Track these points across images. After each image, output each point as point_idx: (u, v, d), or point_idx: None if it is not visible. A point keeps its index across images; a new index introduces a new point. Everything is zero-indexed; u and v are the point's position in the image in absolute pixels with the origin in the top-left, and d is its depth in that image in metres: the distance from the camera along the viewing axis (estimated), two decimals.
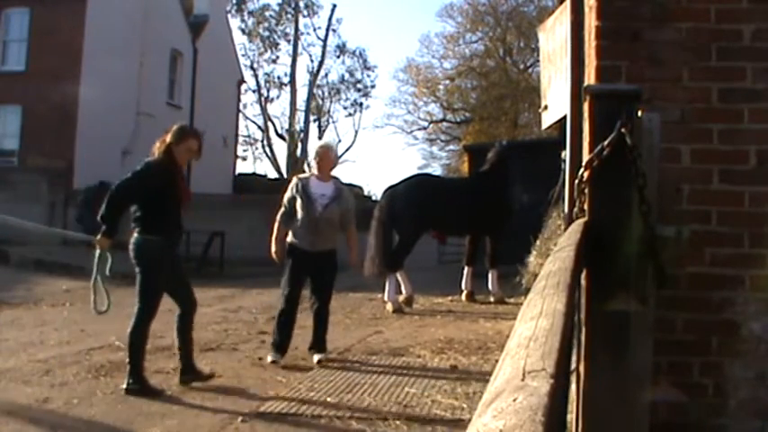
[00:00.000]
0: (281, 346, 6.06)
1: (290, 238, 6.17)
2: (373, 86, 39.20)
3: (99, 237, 5.11)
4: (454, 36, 36.84)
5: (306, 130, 36.05)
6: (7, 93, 19.07)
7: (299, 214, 6.07)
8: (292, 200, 6.17)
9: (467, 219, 10.00)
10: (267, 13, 36.18)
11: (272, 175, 34.79)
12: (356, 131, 51.37)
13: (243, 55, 34.69)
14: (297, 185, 6.20)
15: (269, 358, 6.06)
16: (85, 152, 18.79)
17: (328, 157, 6.34)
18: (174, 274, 5.30)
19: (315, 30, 37.51)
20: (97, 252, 5.19)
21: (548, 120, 4.75)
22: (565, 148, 3.84)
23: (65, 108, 18.54)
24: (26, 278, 12.04)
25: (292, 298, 6.12)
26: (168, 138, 5.32)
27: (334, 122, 45.12)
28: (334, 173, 6.44)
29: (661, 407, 2.74)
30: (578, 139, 3.26)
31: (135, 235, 5.18)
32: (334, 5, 37.01)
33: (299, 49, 36.84)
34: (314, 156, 6.57)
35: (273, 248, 6.20)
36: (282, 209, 6.23)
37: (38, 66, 18.85)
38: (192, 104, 25.00)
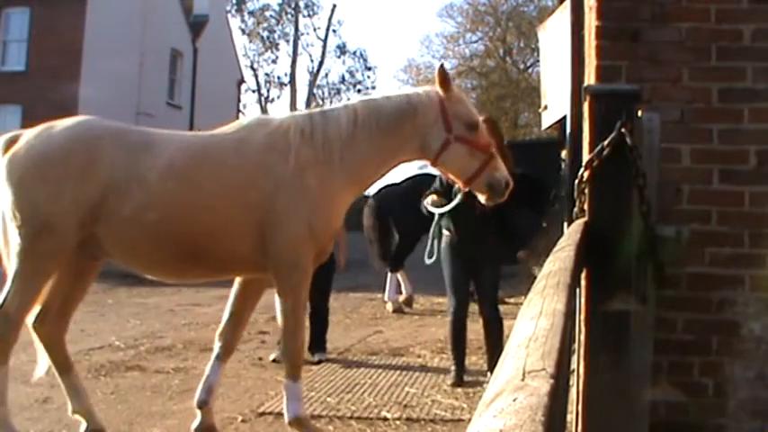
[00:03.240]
0: None
1: None
2: (374, 87, 39.14)
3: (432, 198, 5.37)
4: (454, 36, 36.80)
5: None
6: (7, 93, 19.05)
7: None
8: None
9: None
10: (267, 14, 36.21)
11: None
12: None
13: (243, 55, 34.75)
14: None
15: (271, 357, 6.12)
16: None
17: None
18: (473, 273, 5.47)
19: (315, 30, 37.53)
20: (438, 210, 5.30)
21: (548, 120, 4.75)
22: (565, 148, 3.84)
23: (65, 108, 18.46)
24: None
25: None
26: None
27: None
28: None
29: (661, 407, 2.74)
30: (578, 139, 3.26)
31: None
32: (334, 5, 37.07)
33: (299, 50, 36.85)
34: None
35: None
36: None
37: (38, 66, 18.85)
38: (192, 104, 25.00)
